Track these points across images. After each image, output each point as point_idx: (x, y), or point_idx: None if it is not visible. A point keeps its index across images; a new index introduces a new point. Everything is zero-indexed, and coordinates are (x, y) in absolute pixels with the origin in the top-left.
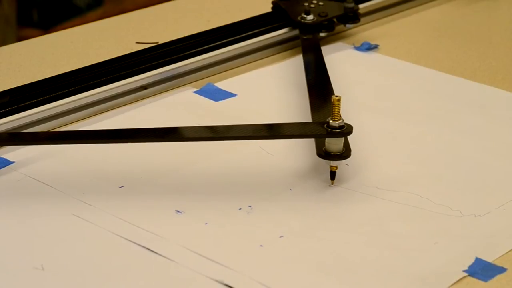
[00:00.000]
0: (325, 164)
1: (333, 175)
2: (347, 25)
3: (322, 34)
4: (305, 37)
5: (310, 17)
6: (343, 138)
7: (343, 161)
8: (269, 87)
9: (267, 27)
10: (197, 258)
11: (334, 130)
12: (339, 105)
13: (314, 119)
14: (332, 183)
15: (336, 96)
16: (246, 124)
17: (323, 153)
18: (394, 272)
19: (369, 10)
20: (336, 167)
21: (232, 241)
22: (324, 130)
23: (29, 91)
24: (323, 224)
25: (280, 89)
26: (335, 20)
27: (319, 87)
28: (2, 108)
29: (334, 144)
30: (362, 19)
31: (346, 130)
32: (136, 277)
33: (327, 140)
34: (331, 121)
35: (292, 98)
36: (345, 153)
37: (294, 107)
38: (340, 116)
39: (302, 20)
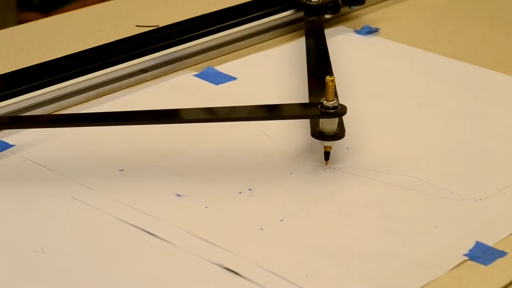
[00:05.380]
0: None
1: (327, 155)
2: (352, 7)
3: (327, 16)
4: (310, 19)
5: None
6: (337, 119)
7: (338, 141)
8: (270, 71)
9: (271, 9)
10: (197, 241)
11: (328, 110)
12: (333, 86)
13: (310, 101)
14: (326, 164)
15: (330, 76)
16: (241, 106)
17: (317, 134)
18: (394, 256)
19: None
20: (330, 147)
21: (232, 224)
22: (318, 110)
23: (29, 74)
24: (323, 207)
25: (281, 73)
26: (340, 2)
27: (319, 69)
28: (2, 91)
29: (328, 124)
30: None
31: (340, 111)
32: (136, 260)
33: (321, 120)
34: (325, 101)
35: (293, 81)
36: (339, 133)
37: (295, 90)
38: (334, 96)
39: (308, 2)
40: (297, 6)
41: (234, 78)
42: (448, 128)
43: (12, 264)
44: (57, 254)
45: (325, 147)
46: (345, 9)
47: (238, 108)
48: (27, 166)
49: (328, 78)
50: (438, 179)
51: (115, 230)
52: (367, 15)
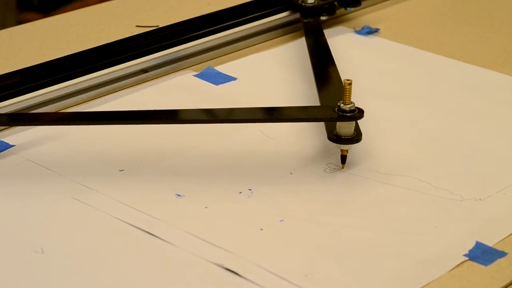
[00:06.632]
0: (326, 148)
1: (343, 159)
2: (348, 9)
3: (323, 18)
4: (306, 21)
5: (311, 0)
6: (353, 122)
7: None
8: (270, 71)
9: (267, 11)
10: (197, 241)
11: (345, 114)
12: (350, 89)
13: (322, 103)
14: (343, 167)
15: (348, 80)
16: (253, 107)
17: (334, 137)
18: (394, 256)
19: None
20: (347, 151)
21: (232, 224)
22: (335, 113)
23: (29, 74)
24: (323, 208)
25: (281, 73)
26: (336, 3)
27: (325, 70)
28: (3, 91)
29: (345, 128)
30: (363, 3)
31: (357, 114)
32: (136, 261)
33: (338, 124)
34: (342, 104)
35: (292, 82)
36: (356, 137)
37: (294, 90)
38: (351, 100)
39: (303, 4)
40: (293, 8)
41: (234, 78)
42: (448, 128)
43: (12, 264)
44: (57, 254)
45: (341, 150)
46: (340, 10)
47: (248, 109)
48: (27, 166)
49: (345, 81)
50: (438, 179)
51: (115, 230)
52: (367, 15)
